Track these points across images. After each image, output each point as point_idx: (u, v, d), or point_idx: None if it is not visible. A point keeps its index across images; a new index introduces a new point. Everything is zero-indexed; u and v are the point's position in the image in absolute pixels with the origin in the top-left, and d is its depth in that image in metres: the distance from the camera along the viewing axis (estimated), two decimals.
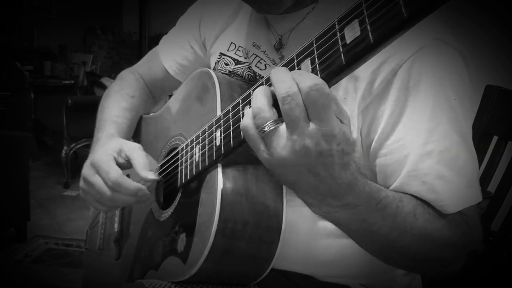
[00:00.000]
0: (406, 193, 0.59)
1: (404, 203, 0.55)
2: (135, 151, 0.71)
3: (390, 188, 0.61)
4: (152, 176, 0.68)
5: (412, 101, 0.59)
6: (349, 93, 0.62)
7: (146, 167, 0.69)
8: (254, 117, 0.45)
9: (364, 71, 0.60)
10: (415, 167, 0.59)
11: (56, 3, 4.99)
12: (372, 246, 0.59)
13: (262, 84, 0.51)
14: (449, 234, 0.58)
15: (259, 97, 0.45)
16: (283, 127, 0.43)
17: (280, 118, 0.44)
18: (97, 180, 0.69)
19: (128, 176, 0.69)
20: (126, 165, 0.72)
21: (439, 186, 0.59)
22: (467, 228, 0.61)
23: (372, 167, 0.66)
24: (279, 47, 0.73)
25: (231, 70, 0.77)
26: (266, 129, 0.44)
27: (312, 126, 0.41)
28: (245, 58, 0.76)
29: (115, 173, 0.68)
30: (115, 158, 0.71)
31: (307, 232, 0.69)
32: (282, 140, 0.43)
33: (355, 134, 0.64)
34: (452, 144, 0.59)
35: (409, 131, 0.60)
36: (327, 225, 0.69)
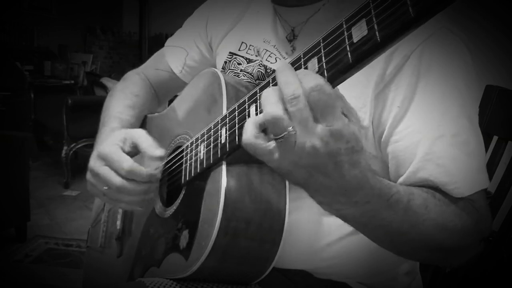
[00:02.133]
0: (418, 186, 0.60)
1: (415, 196, 0.55)
2: (140, 136, 0.70)
3: (404, 175, 0.62)
4: (161, 152, 0.67)
5: (422, 87, 0.61)
6: (361, 81, 0.63)
7: (153, 145, 0.68)
8: (269, 124, 0.43)
9: (376, 59, 0.60)
10: (428, 151, 0.60)
11: (56, 3, 4.99)
12: (383, 240, 0.59)
13: (268, 84, 0.51)
14: (461, 222, 0.58)
15: (273, 109, 0.43)
16: (293, 135, 0.42)
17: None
18: (106, 171, 0.68)
19: None
20: (133, 153, 0.71)
21: (454, 168, 0.59)
22: (478, 216, 0.61)
23: (384, 158, 0.66)
24: (291, 38, 0.74)
25: (243, 69, 0.78)
26: (285, 135, 0.43)
27: (320, 126, 0.41)
28: (257, 56, 0.77)
29: (128, 161, 0.67)
30: (122, 148, 0.70)
31: (309, 231, 0.69)
32: (295, 146, 0.42)
33: (366, 122, 0.64)
34: (463, 128, 0.61)
35: (420, 116, 0.61)
36: (329, 225, 0.69)
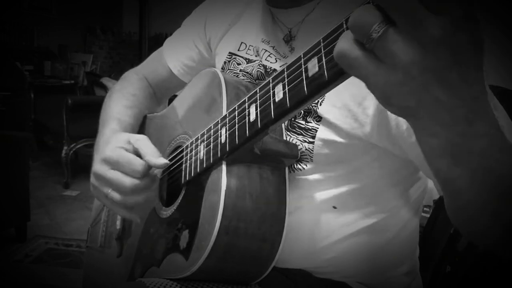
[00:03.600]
0: None
1: None
2: (142, 142, 0.70)
3: None
4: (163, 161, 0.66)
5: None
6: None
7: (155, 154, 0.67)
8: (353, 28, 0.34)
9: None
10: None
11: (56, 3, 4.99)
12: (483, 201, 0.44)
13: (268, 84, 0.51)
14: None
15: (355, 11, 0.34)
16: (395, 29, 0.32)
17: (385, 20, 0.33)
18: (115, 174, 0.67)
19: None
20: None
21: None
22: None
23: (403, 151, 0.62)
24: (288, 39, 0.73)
25: (242, 69, 0.78)
26: (374, 35, 0.33)
27: (435, 15, 0.31)
28: (256, 56, 0.77)
29: (139, 162, 0.66)
30: (126, 150, 0.69)
31: (309, 231, 0.69)
32: (402, 41, 0.32)
33: (371, 110, 0.63)
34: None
35: None
36: (329, 225, 0.69)
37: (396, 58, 0.33)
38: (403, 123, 0.60)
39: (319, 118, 0.66)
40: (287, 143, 0.66)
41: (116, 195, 0.68)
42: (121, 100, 0.90)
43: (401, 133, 0.61)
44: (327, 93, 0.65)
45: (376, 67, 0.34)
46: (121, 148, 0.69)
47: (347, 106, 0.64)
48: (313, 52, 0.44)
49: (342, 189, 0.69)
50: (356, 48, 0.35)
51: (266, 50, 0.76)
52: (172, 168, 0.75)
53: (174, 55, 0.93)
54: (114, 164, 0.68)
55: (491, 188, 0.42)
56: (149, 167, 0.66)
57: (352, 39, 0.35)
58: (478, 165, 0.39)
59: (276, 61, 0.74)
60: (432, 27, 0.31)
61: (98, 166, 0.70)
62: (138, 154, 0.70)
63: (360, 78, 0.36)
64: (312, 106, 0.67)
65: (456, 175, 0.40)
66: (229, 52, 0.81)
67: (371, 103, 0.63)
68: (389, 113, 0.62)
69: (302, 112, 0.68)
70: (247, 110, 0.55)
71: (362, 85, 0.65)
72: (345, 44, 0.35)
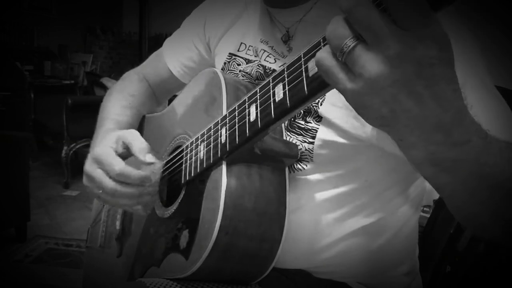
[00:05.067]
0: None
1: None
2: (132, 137, 0.70)
3: None
4: (150, 158, 0.66)
5: None
6: None
7: (144, 150, 0.67)
8: (329, 40, 0.36)
9: None
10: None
11: (56, 3, 4.99)
12: (482, 200, 0.45)
13: (268, 84, 0.51)
14: None
15: (331, 22, 0.36)
16: (363, 44, 0.35)
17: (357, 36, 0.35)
18: (98, 174, 0.68)
19: None
20: (126, 154, 0.71)
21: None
22: None
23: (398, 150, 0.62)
24: (286, 39, 0.73)
25: (242, 69, 0.78)
26: (345, 49, 0.35)
27: (401, 30, 0.33)
28: (255, 56, 0.77)
29: (118, 164, 0.67)
30: (115, 150, 0.70)
31: (309, 231, 0.69)
32: (369, 55, 0.34)
33: None
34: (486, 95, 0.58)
35: None
36: (329, 225, 0.69)
37: (365, 70, 0.35)
38: None
39: (319, 118, 0.66)
40: (287, 143, 0.66)
41: (105, 196, 0.69)
42: (119, 101, 0.90)
43: None
44: (328, 93, 0.65)
45: (347, 78, 0.36)
46: (109, 147, 0.70)
47: (348, 106, 0.64)
48: (313, 52, 0.44)
49: (342, 189, 0.69)
50: (331, 58, 0.37)
51: (265, 51, 0.76)
52: (172, 168, 0.75)
53: (174, 56, 0.93)
54: (98, 163, 0.69)
55: (485, 190, 0.42)
56: (127, 170, 0.66)
57: (329, 49, 0.37)
58: (464, 170, 0.40)
59: (275, 61, 0.74)
60: (397, 43, 0.33)
61: (88, 165, 0.71)
62: (129, 151, 0.70)
63: (335, 86, 0.38)
64: (313, 106, 0.67)
65: (445, 181, 0.41)
66: (229, 53, 0.81)
67: None
68: None
69: (302, 112, 0.68)
70: (247, 110, 0.55)
71: None
72: (323, 53, 0.38)
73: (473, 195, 0.43)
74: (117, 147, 0.70)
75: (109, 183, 0.67)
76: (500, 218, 0.46)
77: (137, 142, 0.69)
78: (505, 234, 0.48)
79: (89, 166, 0.71)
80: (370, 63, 0.34)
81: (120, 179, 0.66)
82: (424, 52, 0.33)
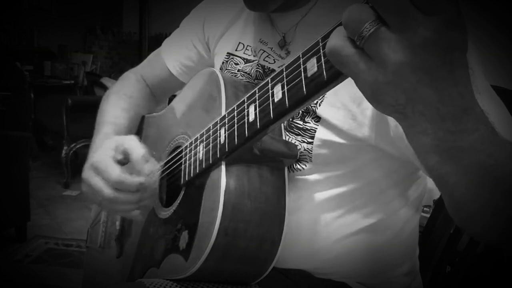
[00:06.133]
0: None
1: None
2: (131, 145, 0.70)
3: None
4: (149, 168, 0.67)
5: None
6: None
7: (143, 159, 0.67)
8: (346, 24, 0.34)
9: None
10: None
11: (56, 3, 4.99)
12: (482, 198, 0.44)
13: (268, 84, 0.51)
14: None
15: (349, 8, 0.34)
16: (387, 28, 0.33)
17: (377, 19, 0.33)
18: (97, 181, 0.68)
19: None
20: (124, 161, 0.71)
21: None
22: None
23: (403, 152, 0.62)
24: (283, 44, 0.73)
25: (240, 69, 0.78)
26: (365, 33, 0.33)
27: (427, 15, 0.31)
28: (254, 56, 0.77)
29: (115, 172, 0.67)
30: (113, 156, 0.70)
31: (309, 231, 0.69)
32: (393, 40, 0.32)
33: (370, 111, 0.63)
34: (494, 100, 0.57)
35: None
36: (329, 225, 0.69)
37: (387, 57, 0.33)
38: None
39: (317, 119, 0.66)
40: (286, 143, 0.66)
41: (103, 203, 0.69)
42: (118, 102, 0.90)
43: (401, 134, 0.61)
44: (326, 94, 0.65)
45: (366, 66, 0.34)
46: (107, 155, 0.69)
47: (346, 106, 0.64)
48: (311, 52, 0.44)
49: (342, 189, 0.69)
50: (348, 45, 0.35)
51: (264, 51, 0.76)
52: (171, 169, 0.75)
53: (173, 56, 0.92)
54: (97, 171, 0.69)
55: (488, 183, 0.42)
56: (125, 178, 0.66)
57: (344, 36, 0.35)
58: (469, 160, 0.39)
59: (275, 61, 0.74)
60: (424, 28, 0.31)
61: (86, 172, 0.71)
62: (128, 158, 0.70)
63: (350, 75, 0.36)
64: (311, 106, 0.66)
65: (448, 171, 0.40)
66: (227, 53, 0.81)
67: (369, 104, 0.62)
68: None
69: (300, 112, 0.68)
70: (246, 110, 0.55)
71: None
72: (338, 41, 0.35)
73: (476, 188, 0.42)
74: (116, 153, 0.70)
75: (107, 190, 0.67)
76: (500, 217, 0.45)
77: (136, 150, 0.68)
78: (503, 236, 0.47)
79: (87, 174, 0.71)
80: (395, 49, 0.33)
81: (117, 186, 0.66)
82: (452, 38, 0.32)
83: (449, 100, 0.35)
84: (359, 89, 0.37)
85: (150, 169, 0.67)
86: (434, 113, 0.35)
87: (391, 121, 0.61)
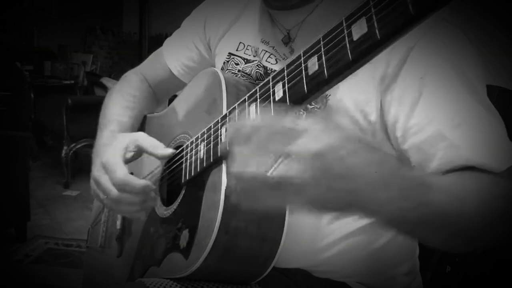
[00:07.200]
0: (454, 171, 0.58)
1: (448, 176, 0.54)
2: (142, 138, 0.72)
3: (436, 164, 0.59)
4: (169, 151, 0.69)
5: (430, 78, 0.60)
6: (365, 76, 0.62)
7: (158, 147, 0.70)
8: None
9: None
10: (451, 138, 0.58)
11: (56, 3, 5.00)
12: (438, 236, 0.53)
13: (268, 83, 0.52)
14: (503, 185, 0.55)
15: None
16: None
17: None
18: (105, 180, 0.69)
19: (132, 174, 0.69)
20: (135, 156, 0.72)
21: (484, 149, 0.57)
22: None
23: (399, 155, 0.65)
24: (287, 41, 0.73)
25: (240, 69, 0.78)
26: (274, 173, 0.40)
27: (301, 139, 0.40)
28: (254, 56, 0.77)
29: (122, 172, 0.68)
30: (123, 155, 0.71)
31: (309, 231, 0.69)
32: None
33: (373, 117, 0.64)
34: (479, 114, 0.60)
35: (433, 107, 0.59)
36: (329, 224, 0.70)
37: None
38: (398, 130, 0.62)
39: None
40: None
41: (109, 202, 0.70)
42: (120, 101, 0.90)
43: (395, 139, 0.63)
44: (329, 99, 0.66)
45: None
46: (117, 155, 0.70)
47: (348, 112, 0.64)
48: (313, 50, 0.44)
49: None
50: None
51: (266, 51, 0.76)
52: (172, 168, 0.75)
53: (174, 56, 0.92)
54: (105, 170, 0.70)
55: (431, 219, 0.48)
56: (130, 180, 0.67)
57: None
58: (409, 213, 0.45)
59: (277, 62, 0.74)
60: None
61: (96, 170, 0.72)
62: (139, 154, 0.71)
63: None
64: (315, 110, 0.67)
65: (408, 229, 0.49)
66: (229, 53, 0.81)
67: (372, 110, 0.63)
68: (387, 120, 0.63)
69: (304, 115, 0.68)
70: (247, 109, 0.55)
71: (364, 91, 0.65)
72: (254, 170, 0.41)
73: (426, 230, 0.50)
74: (126, 152, 0.71)
75: (114, 190, 0.68)
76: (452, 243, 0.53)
77: (148, 141, 0.71)
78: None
79: (97, 172, 0.72)
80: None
81: (122, 187, 0.67)
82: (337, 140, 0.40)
83: (364, 180, 0.41)
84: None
85: (169, 151, 0.69)
86: (365, 195, 0.42)
87: (390, 125, 0.63)
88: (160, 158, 0.70)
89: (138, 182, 0.67)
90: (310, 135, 0.39)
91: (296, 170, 0.39)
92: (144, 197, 0.68)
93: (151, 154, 0.70)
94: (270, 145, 0.40)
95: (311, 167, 0.39)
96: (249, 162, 0.41)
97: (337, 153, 0.39)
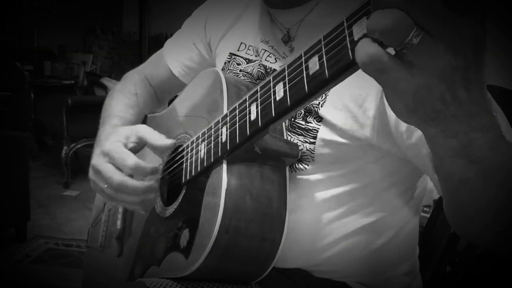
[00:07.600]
0: None
1: None
2: (143, 130, 0.72)
3: None
4: (170, 141, 0.69)
5: None
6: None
7: (160, 138, 0.69)
8: (385, 34, 0.33)
9: None
10: None
11: (56, 3, 5.00)
12: (490, 197, 0.44)
13: (269, 83, 0.52)
14: None
15: (380, 15, 0.33)
16: (429, 35, 0.32)
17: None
18: (107, 167, 0.69)
19: None
20: (137, 148, 0.72)
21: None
22: None
23: (403, 152, 0.63)
24: (287, 40, 0.74)
25: (242, 69, 0.78)
26: (413, 41, 0.32)
27: (463, 17, 0.32)
28: (256, 56, 0.77)
29: (131, 157, 0.68)
30: (125, 144, 0.71)
31: (310, 231, 0.69)
32: (439, 47, 0.32)
33: (372, 112, 0.63)
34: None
35: None
36: (329, 224, 0.69)
37: (432, 63, 0.33)
38: (402, 125, 0.61)
39: (319, 119, 0.67)
40: (288, 142, 0.66)
41: (109, 191, 0.69)
42: (122, 99, 0.90)
43: (400, 134, 0.62)
44: (329, 95, 0.66)
45: (408, 72, 0.34)
46: (119, 142, 0.70)
47: (348, 107, 0.64)
48: (314, 50, 0.44)
49: (343, 188, 0.69)
50: (385, 52, 0.34)
51: (265, 50, 0.76)
52: (172, 167, 0.75)
53: (175, 56, 0.93)
54: (109, 157, 0.69)
55: (500, 182, 0.42)
56: (142, 163, 0.67)
57: (376, 43, 0.34)
58: (489, 160, 0.39)
59: (276, 61, 0.74)
60: (464, 29, 0.32)
61: (95, 158, 0.72)
62: (139, 146, 0.71)
63: (388, 83, 0.35)
64: (314, 107, 0.67)
65: (472, 174, 0.41)
66: (230, 53, 0.81)
67: (371, 105, 0.63)
68: (388, 115, 0.62)
69: (302, 112, 0.68)
70: (248, 108, 0.55)
71: (363, 86, 0.64)
72: (377, 48, 0.34)
73: (489, 189, 0.43)
74: (127, 142, 0.71)
75: (117, 177, 0.67)
76: (504, 216, 0.45)
77: (151, 132, 0.71)
78: (502, 236, 0.48)
79: (98, 160, 0.71)
80: (441, 54, 0.33)
81: (134, 172, 0.67)
82: (480, 37, 0.33)
83: (477, 99, 0.35)
84: (392, 101, 0.37)
85: (173, 141, 0.69)
86: (465, 114, 0.35)
87: (392, 121, 0.62)
88: (161, 149, 0.69)
89: (148, 164, 0.67)
90: None
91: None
92: (148, 185, 0.68)
93: (152, 145, 0.69)
94: None
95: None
96: None
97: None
